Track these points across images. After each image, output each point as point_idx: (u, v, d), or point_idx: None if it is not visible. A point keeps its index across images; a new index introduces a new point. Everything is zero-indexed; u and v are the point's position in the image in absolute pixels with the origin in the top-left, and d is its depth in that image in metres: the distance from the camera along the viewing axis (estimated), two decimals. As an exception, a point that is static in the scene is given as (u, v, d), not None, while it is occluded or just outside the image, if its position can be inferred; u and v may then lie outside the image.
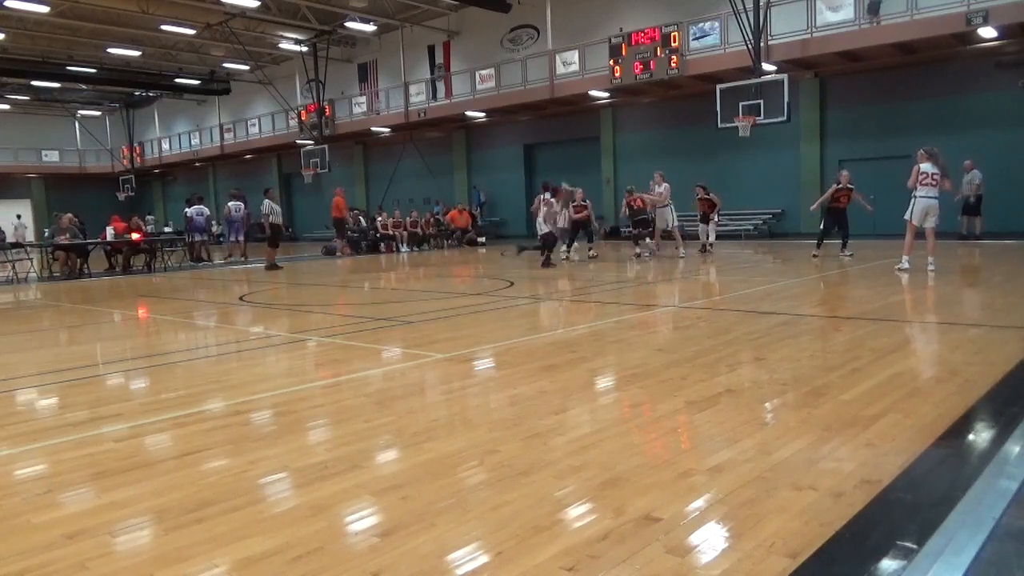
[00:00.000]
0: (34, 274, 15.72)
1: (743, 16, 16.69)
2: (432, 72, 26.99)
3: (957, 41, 16.47)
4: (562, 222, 14.36)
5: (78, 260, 15.89)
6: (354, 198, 27.96)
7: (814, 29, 17.36)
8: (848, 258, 12.56)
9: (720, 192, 16.35)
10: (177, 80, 31.88)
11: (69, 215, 16.98)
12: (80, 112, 38.72)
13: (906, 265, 10.17)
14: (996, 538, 2.28)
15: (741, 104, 16.96)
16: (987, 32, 15.55)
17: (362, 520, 2.66)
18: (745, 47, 17.15)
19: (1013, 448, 3.07)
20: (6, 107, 37.30)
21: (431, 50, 27.12)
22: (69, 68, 29.47)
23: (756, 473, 2.88)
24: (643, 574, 2.13)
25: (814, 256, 12.86)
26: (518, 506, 2.66)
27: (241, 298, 10.67)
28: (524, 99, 23.20)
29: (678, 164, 20.23)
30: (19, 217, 31.66)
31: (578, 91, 21.93)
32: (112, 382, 5.38)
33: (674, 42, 19.36)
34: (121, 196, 36.46)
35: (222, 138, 34.94)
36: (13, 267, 15.36)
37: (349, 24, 26.11)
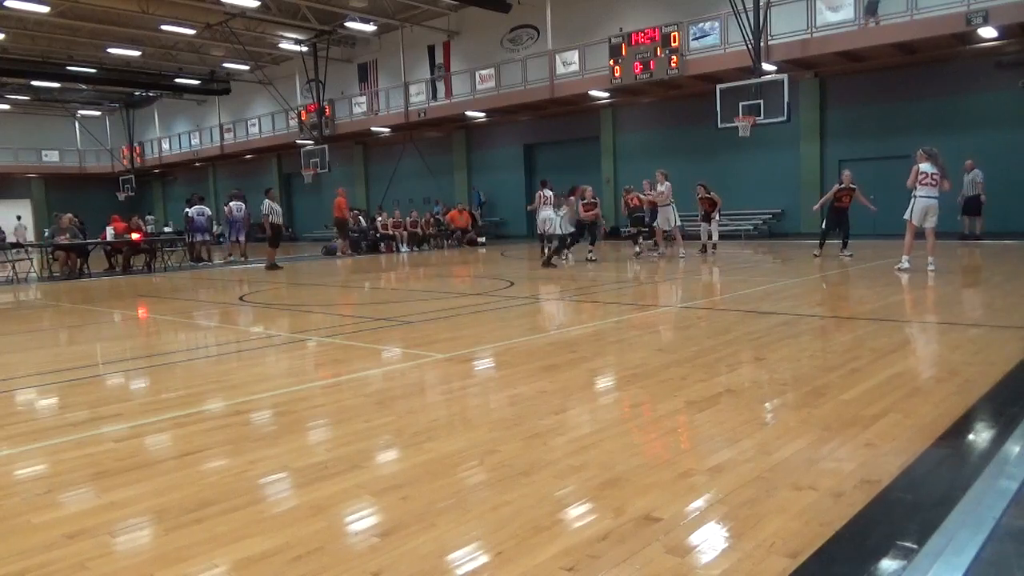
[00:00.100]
0: (34, 274, 15.73)
1: (743, 16, 16.68)
2: (432, 72, 26.99)
3: (957, 41, 16.46)
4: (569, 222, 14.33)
5: (78, 260, 15.89)
6: (354, 198, 27.95)
7: (814, 29, 17.35)
8: (848, 258, 12.56)
9: (720, 192, 16.35)
10: (177, 80, 31.89)
11: (69, 215, 16.99)
12: (80, 112, 38.72)
13: (906, 265, 10.17)
14: (996, 538, 2.28)
15: (741, 104, 16.95)
16: (987, 32, 15.54)
17: (362, 520, 2.66)
18: (745, 47, 17.15)
19: (1013, 448, 3.07)
20: (6, 107, 37.30)
21: (431, 50, 27.12)
22: (69, 68, 29.48)
23: (756, 473, 2.88)
24: (643, 574, 2.13)
25: (815, 256, 12.88)
26: (518, 506, 2.66)
27: (241, 298, 10.67)
28: (524, 99, 23.20)
29: (678, 164, 20.21)
30: (19, 218, 31.63)
31: (578, 91, 21.93)
32: (112, 382, 5.38)
33: (674, 42, 19.36)
34: (121, 196, 36.45)
35: (222, 138, 34.94)
36: (13, 267, 15.36)
37: (349, 24, 26.11)
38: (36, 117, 39.03)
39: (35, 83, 32.79)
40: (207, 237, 19.86)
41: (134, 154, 39.29)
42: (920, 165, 10.01)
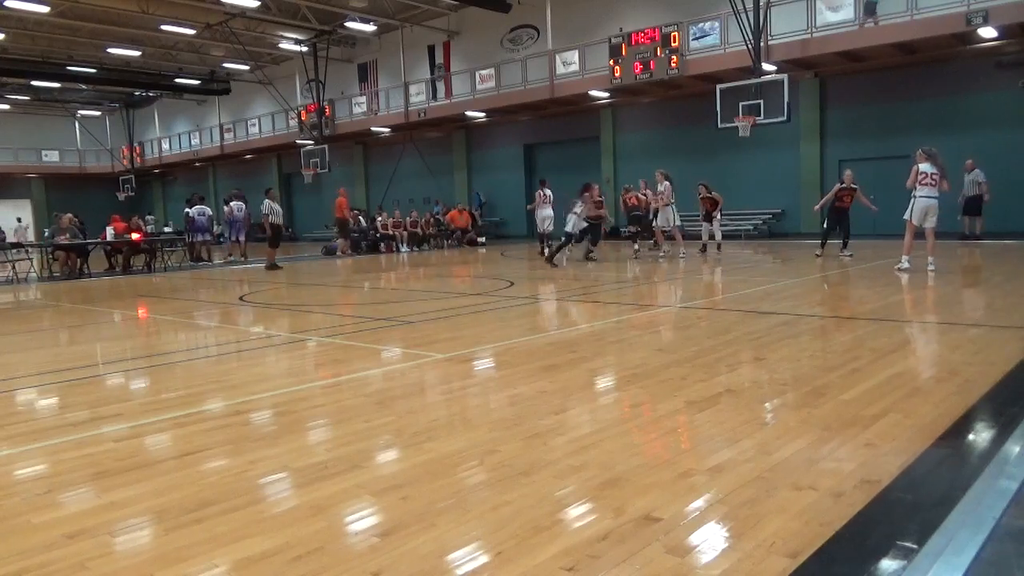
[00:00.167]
0: (34, 274, 15.73)
1: (743, 16, 16.69)
2: (432, 72, 26.99)
3: (957, 41, 16.47)
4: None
5: (78, 260, 15.89)
6: (354, 198, 27.95)
7: (814, 29, 17.35)
8: (848, 258, 12.56)
9: (720, 192, 16.34)
10: (177, 80, 31.89)
11: (69, 215, 16.99)
12: (80, 112, 38.73)
13: (906, 265, 10.17)
14: (996, 538, 2.28)
15: (741, 104, 16.95)
16: (987, 32, 15.54)
17: (362, 520, 2.66)
18: (745, 47, 17.15)
19: (1013, 448, 3.07)
20: (6, 107, 37.31)
21: (431, 50, 27.12)
22: (69, 68, 29.48)
23: (756, 473, 2.88)
24: (643, 574, 2.13)
25: (817, 256, 12.89)
26: (518, 506, 2.66)
27: (241, 298, 10.67)
28: (524, 99, 23.20)
29: (678, 164, 20.19)
30: (19, 220, 31.61)
31: (578, 91, 21.93)
32: (112, 382, 5.38)
33: (674, 42, 19.36)
34: (121, 196, 36.46)
35: (222, 138, 34.94)
36: (13, 267, 15.36)
37: (349, 24, 26.11)
38: (36, 117, 39.04)
39: (35, 83, 32.79)
40: (207, 237, 19.87)
41: (134, 154, 39.29)
42: (920, 165, 10.01)
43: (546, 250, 16.21)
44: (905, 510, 2.52)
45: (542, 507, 2.64)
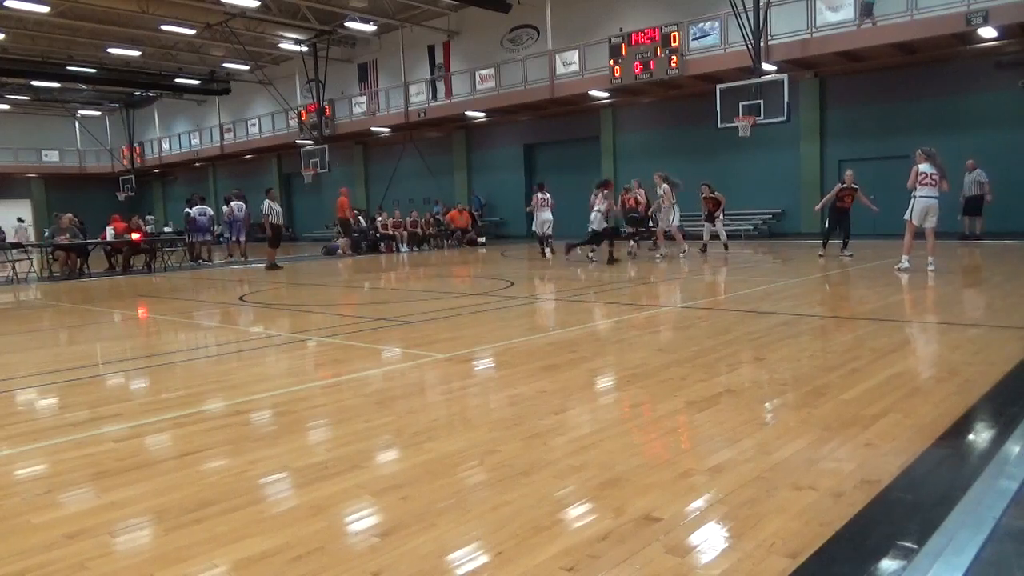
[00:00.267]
0: (34, 274, 15.73)
1: (743, 16, 16.69)
2: (432, 72, 26.99)
3: (957, 41, 16.47)
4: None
5: (78, 260, 15.89)
6: (354, 198, 27.95)
7: (814, 29, 17.36)
8: (848, 258, 12.56)
9: (721, 192, 16.33)
10: (177, 80, 31.89)
11: (69, 215, 16.99)
12: (80, 112, 38.73)
13: (906, 265, 10.17)
14: (996, 538, 2.28)
15: (741, 104, 16.96)
16: (987, 32, 15.54)
17: (362, 520, 2.66)
18: (745, 47, 17.15)
19: (1013, 448, 3.07)
20: (6, 107, 37.31)
21: (431, 50, 27.12)
22: (69, 68, 29.48)
23: (756, 473, 2.88)
24: (643, 574, 2.13)
25: (820, 256, 12.88)
26: (518, 506, 2.66)
27: (241, 298, 10.67)
28: (524, 99, 23.20)
29: (678, 164, 20.21)
30: (21, 220, 31.57)
31: (578, 91, 21.93)
32: (112, 382, 5.38)
33: (674, 42, 19.36)
34: (121, 196, 36.47)
35: (222, 138, 34.95)
36: (13, 267, 15.36)
37: (349, 24, 26.12)
38: (36, 117, 39.04)
39: (35, 83, 32.80)
40: (208, 237, 19.87)
41: (134, 154, 39.30)
42: (919, 166, 10.01)
43: (546, 251, 16.27)
44: (905, 510, 2.52)
45: (542, 507, 2.64)
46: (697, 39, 19.46)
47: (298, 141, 28.35)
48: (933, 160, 9.95)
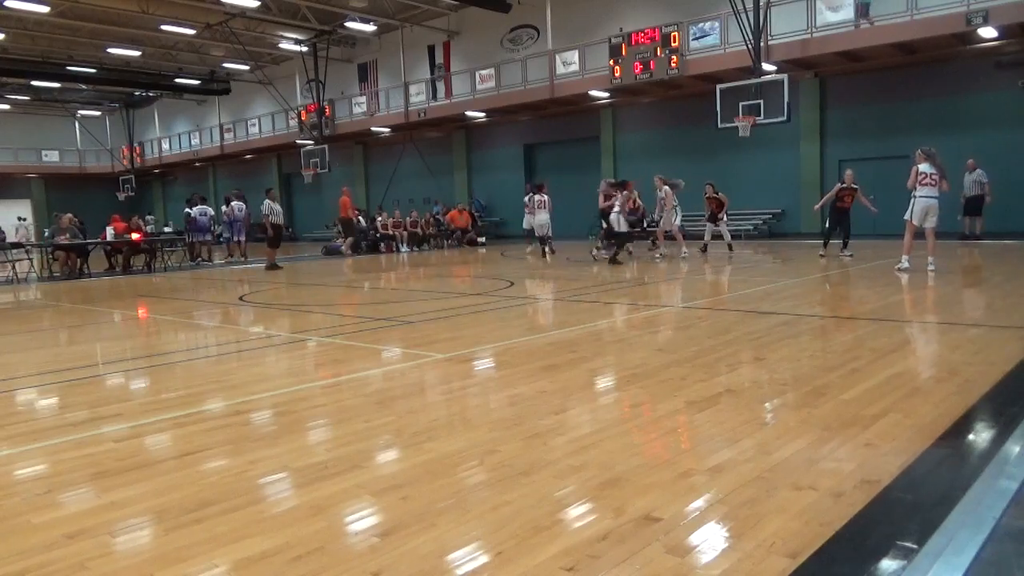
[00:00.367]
0: (34, 274, 15.73)
1: (743, 16, 16.69)
2: (432, 72, 26.99)
3: (957, 41, 16.47)
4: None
5: (78, 260, 15.89)
6: (354, 198, 27.98)
7: (814, 29, 17.35)
8: (848, 258, 12.57)
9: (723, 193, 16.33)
10: (177, 80, 31.89)
11: (69, 215, 16.99)
12: (80, 112, 38.73)
13: (906, 265, 10.17)
14: (996, 538, 2.28)
15: (741, 104, 16.96)
16: (987, 32, 15.55)
17: (362, 520, 2.66)
18: (745, 47, 17.15)
19: (1013, 448, 3.07)
20: (6, 107, 37.31)
21: (431, 50, 27.12)
22: (69, 68, 29.48)
23: (756, 473, 2.88)
24: (643, 574, 2.13)
25: (821, 256, 12.87)
26: (518, 506, 2.66)
27: (241, 298, 10.67)
28: (524, 99, 23.20)
29: (678, 164, 20.23)
30: (22, 219, 31.55)
31: (578, 91, 21.93)
32: (112, 382, 5.38)
33: (674, 42, 19.36)
34: (121, 196, 36.47)
35: (222, 138, 34.95)
36: (13, 267, 15.37)
37: (349, 24, 26.12)
38: (36, 117, 39.04)
39: (35, 83, 32.79)
40: (208, 237, 19.88)
41: (134, 154, 39.30)
42: (919, 166, 10.01)
43: (545, 251, 16.33)
44: (905, 510, 2.52)
45: (542, 507, 2.64)
46: (697, 39, 19.46)
47: (298, 141, 28.36)
48: (933, 160, 9.95)
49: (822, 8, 17.24)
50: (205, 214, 19.56)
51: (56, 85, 33.61)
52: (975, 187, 15.69)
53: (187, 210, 20.03)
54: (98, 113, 40.58)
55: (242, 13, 23.59)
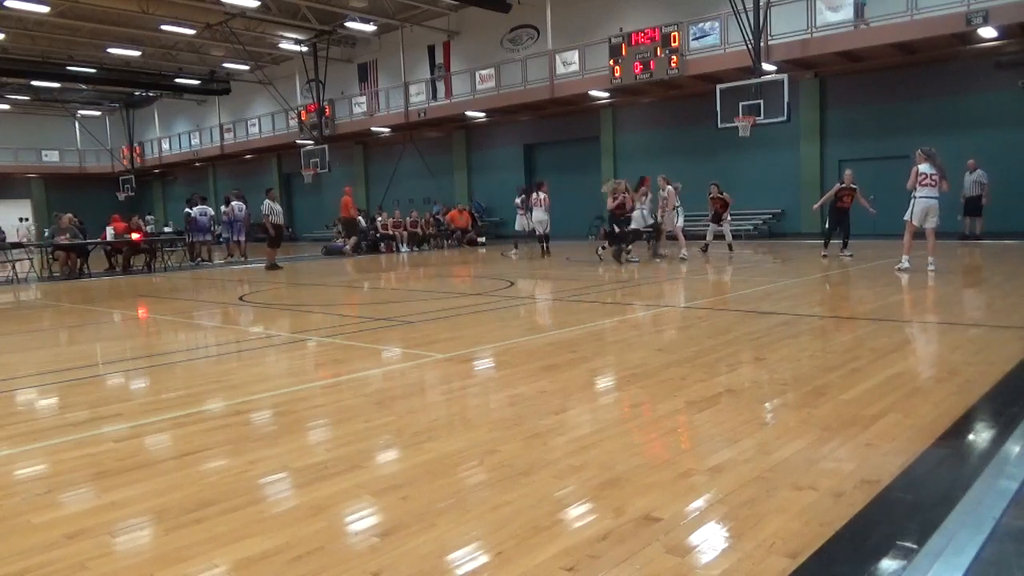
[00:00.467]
0: (34, 274, 15.73)
1: (743, 16, 16.69)
2: (432, 72, 26.99)
3: (957, 41, 16.47)
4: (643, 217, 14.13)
5: (78, 260, 15.89)
6: (355, 198, 27.99)
7: (814, 29, 17.36)
8: (848, 258, 12.57)
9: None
10: (177, 80, 31.89)
11: (69, 215, 16.99)
12: (80, 112, 38.73)
13: (906, 265, 10.17)
14: (996, 538, 2.28)
15: (741, 104, 16.96)
16: (987, 32, 15.55)
17: (362, 520, 2.66)
18: (745, 47, 17.16)
19: (1013, 448, 3.07)
20: (6, 107, 37.31)
21: (431, 50, 27.12)
22: (69, 68, 29.47)
23: (756, 473, 2.88)
24: (643, 574, 2.13)
25: (823, 256, 12.85)
26: (518, 506, 2.66)
27: (241, 298, 10.67)
28: (524, 99, 23.20)
29: (678, 164, 20.23)
30: (24, 220, 31.51)
31: (578, 91, 21.93)
32: (112, 382, 5.38)
33: (674, 42, 19.36)
34: (121, 196, 36.47)
35: (222, 138, 34.95)
36: (13, 267, 15.37)
37: (349, 24, 26.12)
38: (36, 117, 39.04)
39: (35, 83, 32.79)
40: (208, 237, 19.88)
41: (134, 154, 39.30)
42: (919, 166, 10.01)
43: (544, 250, 16.38)
44: (905, 510, 2.52)
45: (542, 507, 2.64)
46: (697, 39, 19.46)
47: (298, 141, 28.36)
48: (933, 160, 9.95)
49: (822, 8, 17.24)
50: (205, 214, 19.56)
51: (56, 85, 33.61)
52: (975, 187, 15.69)
53: (187, 210, 20.03)
54: (98, 113, 40.58)
55: (242, 13, 23.59)
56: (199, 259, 18.95)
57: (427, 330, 7.00)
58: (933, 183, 9.93)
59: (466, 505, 2.70)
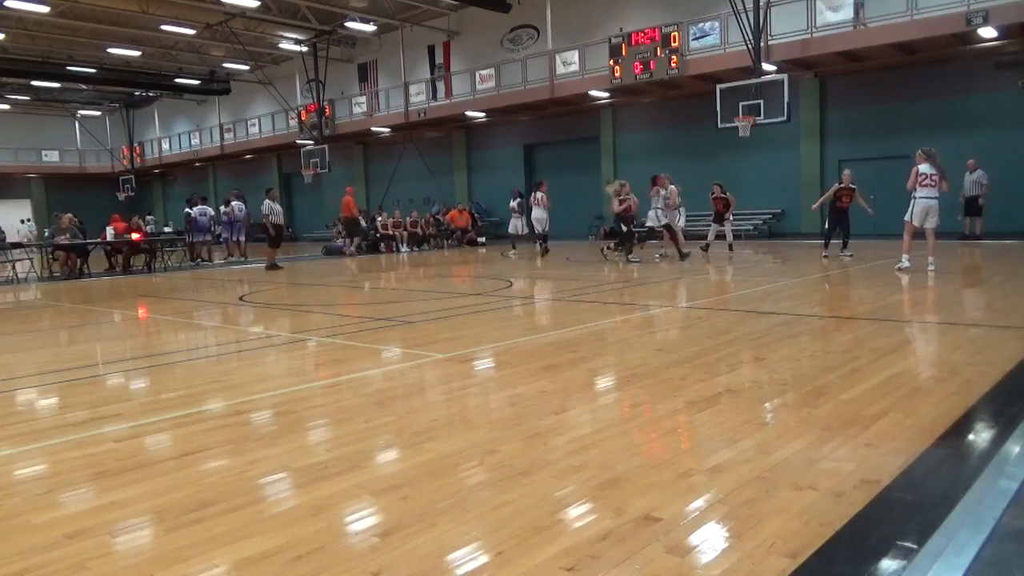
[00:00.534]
0: (34, 274, 15.73)
1: (743, 16, 16.69)
2: (432, 72, 26.99)
3: (957, 41, 16.47)
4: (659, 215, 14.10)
5: (78, 260, 15.89)
6: (356, 198, 27.99)
7: (814, 29, 17.35)
8: (848, 258, 12.56)
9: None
10: (177, 80, 31.88)
11: (69, 215, 16.99)
12: (80, 112, 38.72)
13: (907, 264, 10.17)
14: (996, 538, 2.28)
15: (741, 104, 16.95)
16: (987, 32, 15.55)
17: (362, 520, 2.66)
18: (745, 47, 17.16)
19: (1013, 448, 3.07)
20: (6, 107, 37.30)
21: (431, 50, 27.12)
22: (69, 68, 29.47)
23: (756, 473, 2.88)
24: (643, 574, 2.13)
25: (824, 257, 12.84)
26: (518, 506, 2.66)
27: (241, 298, 10.67)
28: (524, 99, 23.20)
29: (678, 164, 20.22)
30: (26, 221, 31.48)
31: (578, 91, 21.93)
32: (112, 382, 5.38)
33: (674, 42, 19.36)
34: (121, 196, 36.47)
35: (222, 138, 34.94)
36: (13, 267, 15.37)
37: (349, 24, 26.12)
38: (36, 117, 39.03)
39: (35, 83, 32.78)
40: (208, 237, 19.89)
41: (134, 154, 39.29)
42: (919, 166, 10.01)
43: (547, 248, 16.39)
44: (905, 510, 2.52)
45: (542, 507, 2.64)
46: (697, 39, 19.45)
47: (298, 141, 28.35)
48: (933, 160, 9.95)
49: (822, 8, 17.24)
50: (205, 214, 19.56)
51: (56, 85, 33.61)
52: (975, 187, 15.69)
53: (187, 210, 20.02)
54: (98, 113, 40.58)
55: (242, 13, 23.59)
56: (199, 259, 18.96)
57: (427, 330, 7.00)
58: (933, 183, 9.94)
59: (466, 505, 2.70)
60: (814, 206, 14.76)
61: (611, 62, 20.52)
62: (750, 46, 16.97)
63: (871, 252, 13.50)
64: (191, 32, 26.23)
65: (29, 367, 5.96)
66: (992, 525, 2.35)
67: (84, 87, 34.51)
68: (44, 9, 22.58)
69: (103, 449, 3.56)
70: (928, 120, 17.65)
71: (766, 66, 17.35)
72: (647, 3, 21.45)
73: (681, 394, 4.16)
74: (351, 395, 4.59)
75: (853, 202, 12.72)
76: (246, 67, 30.78)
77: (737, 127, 17.10)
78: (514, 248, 17.83)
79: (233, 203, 20.45)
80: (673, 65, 19.37)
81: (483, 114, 25.16)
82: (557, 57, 22.22)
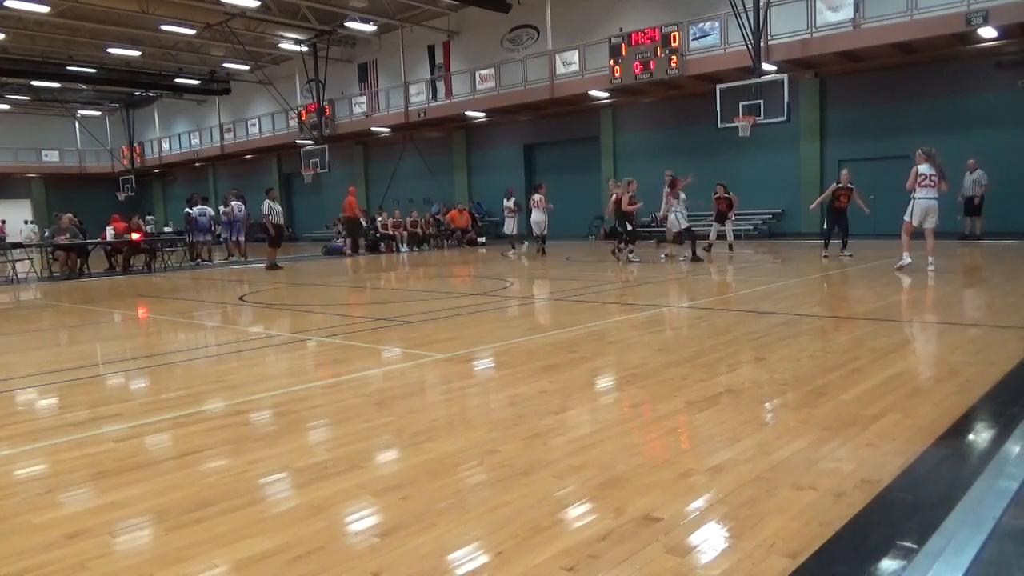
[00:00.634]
0: (34, 274, 15.73)
1: (743, 16, 16.69)
2: (432, 72, 26.99)
3: (957, 41, 16.47)
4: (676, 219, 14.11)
5: (78, 260, 15.89)
6: (357, 198, 28.01)
7: (814, 29, 17.35)
8: (848, 258, 12.56)
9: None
10: (177, 80, 31.88)
11: (69, 215, 16.99)
12: (80, 112, 38.72)
13: (907, 260, 10.15)
14: (996, 538, 2.28)
15: (741, 104, 16.95)
16: (987, 32, 15.54)
17: (362, 520, 2.66)
18: (745, 47, 17.15)
19: (1013, 448, 3.07)
20: (6, 107, 37.30)
21: (431, 50, 27.12)
22: (69, 68, 29.47)
23: (756, 473, 2.88)
24: (643, 574, 2.13)
25: (824, 257, 12.83)
26: (518, 506, 2.66)
27: (241, 298, 10.67)
28: (524, 99, 23.20)
29: (678, 164, 20.10)
30: (28, 222, 31.46)
31: (578, 91, 21.93)
32: (112, 382, 5.38)
33: (674, 42, 19.36)
34: (121, 196, 36.47)
35: (222, 138, 34.94)
36: (13, 267, 15.37)
37: (349, 24, 26.12)
38: (36, 117, 39.03)
39: (35, 83, 32.78)
40: (208, 237, 19.89)
41: (134, 154, 39.29)
42: (919, 167, 10.01)
43: (544, 250, 16.40)
44: (905, 510, 2.52)
45: (542, 507, 2.64)
46: (697, 39, 19.45)
47: (298, 141, 28.35)
48: (933, 161, 9.95)
49: (822, 8, 17.24)
50: (205, 214, 19.57)
51: (56, 85, 33.60)
52: (975, 187, 15.69)
53: (187, 210, 20.03)
54: (98, 113, 40.58)
55: (242, 13, 23.59)
56: (199, 259, 18.96)
57: (427, 330, 7.00)
58: (932, 184, 9.93)
59: (466, 505, 2.70)
60: (812, 206, 14.76)
61: (611, 62, 20.52)
62: (750, 46, 16.97)
63: (871, 252, 13.49)
64: (191, 32, 26.23)
65: (29, 367, 5.96)
66: (992, 525, 2.35)
67: (84, 87, 34.51)
68: (44, 9, 22.58)
69: (103, 449, 3.56)
70: (928, 120, 17.65)
71: (766, 66, 17.34)
72: (647, 3, 21.45)
73: (681, 394, 4.16)
74: (351, 395, 4.59)
75: (851, 202, 12.72)
76: (246, 67, 30.78)
77: (737, 127, 17.11)
78: (514, 247, 17.83)
79: (233, 203, 20.45)
80: (673, 65, 19.37)
81: (483, 114, 25.16)
82: (557, 57, 22.22)
